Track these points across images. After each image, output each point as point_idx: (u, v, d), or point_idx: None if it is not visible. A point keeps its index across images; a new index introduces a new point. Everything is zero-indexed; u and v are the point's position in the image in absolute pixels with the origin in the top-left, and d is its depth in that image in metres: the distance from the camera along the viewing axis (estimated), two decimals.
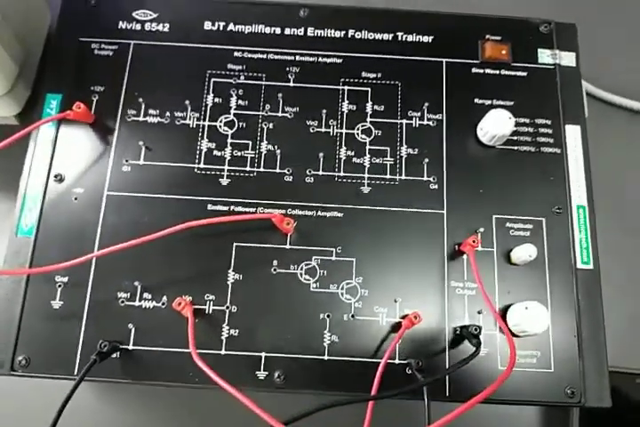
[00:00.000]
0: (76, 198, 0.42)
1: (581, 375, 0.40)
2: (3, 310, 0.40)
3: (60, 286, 0.40)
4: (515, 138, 0.45)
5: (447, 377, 0.39)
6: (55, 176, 0.42)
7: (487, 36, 0.48)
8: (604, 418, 0.45)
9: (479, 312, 0.41)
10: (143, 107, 0.45)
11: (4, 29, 0.43)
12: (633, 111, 0.56)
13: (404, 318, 0.40)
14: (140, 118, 0.44)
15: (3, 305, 0.40)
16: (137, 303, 0.40)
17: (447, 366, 0.40)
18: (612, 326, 0.42)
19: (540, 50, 0.48)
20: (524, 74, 0.47)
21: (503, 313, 0.41)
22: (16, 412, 0.45)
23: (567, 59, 0.48)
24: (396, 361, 0.39)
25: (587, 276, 0.42)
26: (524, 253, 0.41)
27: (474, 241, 0.41)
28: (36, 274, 0.40)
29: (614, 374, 0.44)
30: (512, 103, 0.46)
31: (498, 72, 0.47)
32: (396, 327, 0.40)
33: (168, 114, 0.44)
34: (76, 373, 0.38)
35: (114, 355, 0.39)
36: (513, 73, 0.47)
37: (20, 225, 0.41)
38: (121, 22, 0.47)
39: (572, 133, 0.46)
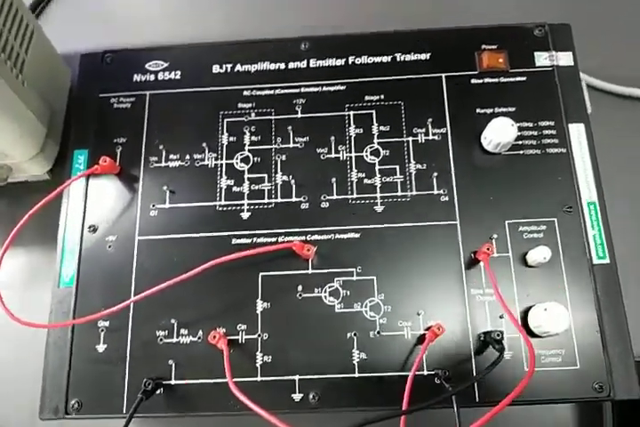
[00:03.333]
0: (109, 246, 0.43)
1: (608, 370, 0.38)
2: (53, 358, 0.41)
3: (102, 330, 0.41)
4: (519, 142, 0.43)
5: (475, 383, 0.38)
6: (89, 227, 0.43)
7: (483, 46, 0.46)
8: (636, 408, 0.43)
9: (501, 317, 0.39)
10: (164, 153, 0.45)
11: (31, 94, 0.44)
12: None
13: (427, 329, 0.39)
14: (162, 164, 0.45)
15: (53, 352, 0.41)
16: (175, 340, 0.40)
17: (474, 373, 0.38)
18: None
19: (536, 53, 0.46)
20: (523, 79, 0.45)
21: (524, 316, 0.39)
22: None
23: (564, 59, 0.46)
24: (425, 372, 0.38)
25: (604, 270, 0.40)
26: (538, 255, 0.39)
27: (488, 249, 0.39)
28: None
29: None
30: (514, 109, 0.44)
31: (497, 80, 0.45)
32: (421, 340, 0.39)
33: (187, 157, 0.45)
34: (124, 411, 0.39)
35: (158, 391, 0.39)
36: (512, 79, 0.45)
37: (62, 277, 0.42)
38: (136, 75, 0.47)
39: (576, 132, 0.44)
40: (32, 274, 0.49)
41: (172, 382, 0.39)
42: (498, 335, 0.38)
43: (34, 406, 0.40)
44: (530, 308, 0.39)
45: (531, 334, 0.39)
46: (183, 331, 0.40)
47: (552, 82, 0.45)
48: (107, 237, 0.43)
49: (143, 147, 0.45)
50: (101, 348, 0.40)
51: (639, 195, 0.49)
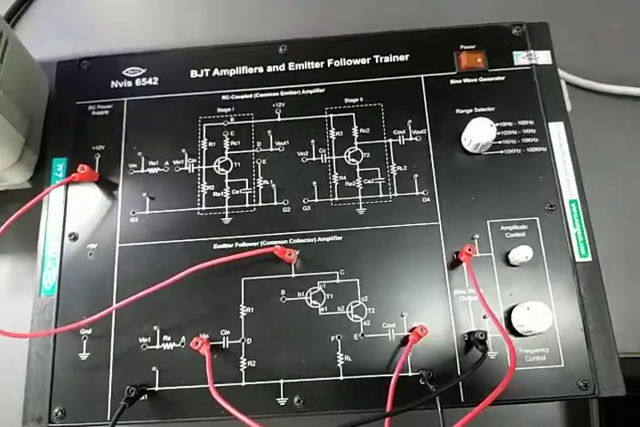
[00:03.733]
0: (90, 254, 0.42)
1: (592, 367, 0.38)
2: (35, 367, 0.40)
3: (85, 338, 0.40)
4: (500, 142, 0.43)
5: (460, 383, 0.38)
6: (69, 235, 0.43)
7: (461, 47, 0.46)
8: (622, 405, 0.43)
9: (484, 317, 0.39)
10: (143, 159, 0.44)
11: (7, 103, 0.44)
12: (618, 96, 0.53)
13: (412, 331, 0.38)
14: (142, 171, 0.44)
15: (35, 361, 0.40)
16: (158, 346, 0.40)
17: (459, 373, 0.38)
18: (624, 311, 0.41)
19: (515, 52, 0.46)
20: (502, 78, 0.45)
21: (508, 315, 0.39)
22: None
23: (543, 57, 0.46)
24: (410, 373, 0.38)
25: (587, 268, 0.40)
26: (520, 255, 0.39)
27: (469, 249, 0.39)
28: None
29: (629, 361, 0.42)
30: (493, 109, 0.44)
31: (476, 80, 0.45)
32: (405, 341, 0.39)
33: (167, 163, 0.44)
34: (109, 418, 0.38)
35: (142, 398, 0.38)
36: (491, 79, 0.45)
37: (43, 285, 0.42)
38: (113, 82, 0.47)
39: (556, 130, 0.44)
40: (13, 283, 0.48)
41: (156, 388, 0.39)
42: (481, 335, 0.38)
43: (17, 417, 0.39)
44: (513, 307, 0.39)
45: (515, 333, 0.39)
46: (166, 337, 0.40)
47: (531, 81, 0.45)
48: (87, 244, 0.43)
49: (122, 154, 0.45)
50: (84, 356, 0.40)
51: (620, 191, 0.49)
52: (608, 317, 0.39)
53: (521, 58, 0.46)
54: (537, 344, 0.39)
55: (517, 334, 0.39)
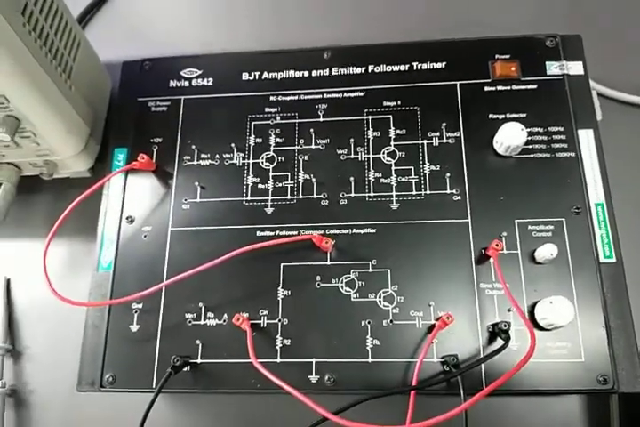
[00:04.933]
0: (145, 236, 0.45)
1: (612, 363, 0.39)
2: (91, 336, 0.43)
3: (136, 312, 0.43)
4: (530, 146, 0.45)
5: (484, 372, 0.39)
6: (127, 218, 0.46)
7: (496, 56, 0.48)
8: None
9: (509, 310, 0.40)
10: (196, 152, 0.47)
11: (76, 97, 0.47)
12: None
13: (438, 319, 0.40)
14: (195, 162, 0.47)
15: (90, 332, 0.43)
16: (202, 322, 0.42)
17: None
18: None
19: (547, 63, 0.47)
20: (535, 87, 0.47)
21: (531, 310, 0.40)
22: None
23: (575, 68, 0.47)
24: (435, 360, 0.40)
25: (610, 269, 0.41)
26: (545, 252, 0.40)
27: (497, 245, 0.41)
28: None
29: None
30: (525, 115, 0.46)
31: (509, 88, 0.47)
32: (431, 329, 0.40)
33: (217, 156, 0.47)
34: (154, 386, 0.41)
35: (185, 368, 0.41)
36: (523, 87, 0.47)
37: (100, 262, 0.45)
38: (172, 81, 0.51)
39: (585, 137, 0.45)
40: (73, 262, 0.51)
41: (199, 360, 0.41)
42: (505, 326, 0.39)
43: (72, 380, 0.42)
44: (537, 302, 0.40)
45: (538, 327, 0.40)
46: (210, 314, 0.42)
47: (562, 90, 0.46)
48: (143, 227, 0.46)
49: (177, 146, 0.48)
50: (135, 328, 0.43)
51: None
52: (630, 315, 0.40)
53: (553, 68, 0.47)
54: (559, 338, 0.40)
55: (540, 328, 0.40)
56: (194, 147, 0.48)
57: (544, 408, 0.45)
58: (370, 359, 0.40)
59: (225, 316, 0.42)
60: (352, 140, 0.46)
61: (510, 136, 0.43)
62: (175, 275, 0.41)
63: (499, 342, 0.40)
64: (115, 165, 0.48)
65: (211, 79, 0.50)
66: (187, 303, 0.43)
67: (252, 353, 0.38)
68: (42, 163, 0.49)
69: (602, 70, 0.51)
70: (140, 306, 0.43)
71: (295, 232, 0.44)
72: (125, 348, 0.42)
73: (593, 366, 0.39)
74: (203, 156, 0.47)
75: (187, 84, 0.50)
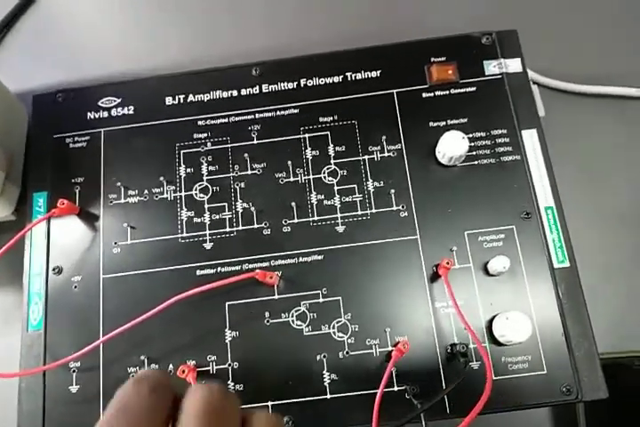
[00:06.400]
0: (75, 287, 0.42)
1: (574, 372, 0.38)
2: (26, 401, 0.40)
3: (74, 371, 0.40)
4: (474, 153, 0.43)
5: (445, 396, 0.38)
6: (54, 269, 0.42)
7: (432, 59, 0.46)
8: (609, 406, 0.43)
9: (465, 329, 0.39)
10: (122, 189, 0.44)
11: None
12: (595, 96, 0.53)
13: (395, 345, 0.38)
14: (122, 201, 0.44)
15: (26, 397, 0.40)
16: None
17: (444, 386, 0.38)
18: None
19: (485, 62, 0.46)
20: (474, 89, 0.45)
21: (490, 324, 0.39)
22: None
23: (513, 65, 0.45)
24: (395, 388, 0.38)
25: (565, 274, 0.40)
26: (498, 265, 0.39)
27: (447, 263, 0.39)
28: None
29: (610, 361, 0.42)
30: (466, 120, 0.44)
31: (447, 92, 0.45)
32: (389, 356, 0.39)
33: (146, 191, 0.44)
34: None
35: None
36: (462, 90, 0.45)
37: (30, 320, 0.42)
38: (89, 113, 0.47)
39: (530, 138, 0.44)
40: (1, 319, 0.48)
41: None
42: (463, 348, 0.38)
43: None
44: (494, 317, 0.39)
45: (497, 342, 0.39)
46: (154, 366, 0.40)
47: (502, 90, 0.45)
48: (72, 277, 0.42)
49: (102, 185, 0.44)
50: (74, 389, 0.40)
51: (595, 194, 0.49)
52: (588, 320, 0.39)
53: (491, 67, 0.45)
54: (519, 352, 0.39)
55: (500, 344, 0.39)
56: (119, 184, 0.44)
57: (512, 421, 0.44)
58: (328, 395, 0.39)
59: (170, 366, 0.40)
60: (290, 161, 0.44)
61: (451, 146, 0.41)
62: (113, 327, 0.38)
63: (459, 363, 0.38)
64: (35, 212, 0.44)
65: (132, 107, 0.46)
66: (128, 357, 0.40)
67: None
68: None
69: (544, 62, 0.49)
70: (78, 364, 0.40)
71: (238, 267, 0.42)
72: (66, 411, 0.40)
73: (555, 376, 0.38)
74: (130, 192, 0.44)
75: (106, 114, 0.46)
